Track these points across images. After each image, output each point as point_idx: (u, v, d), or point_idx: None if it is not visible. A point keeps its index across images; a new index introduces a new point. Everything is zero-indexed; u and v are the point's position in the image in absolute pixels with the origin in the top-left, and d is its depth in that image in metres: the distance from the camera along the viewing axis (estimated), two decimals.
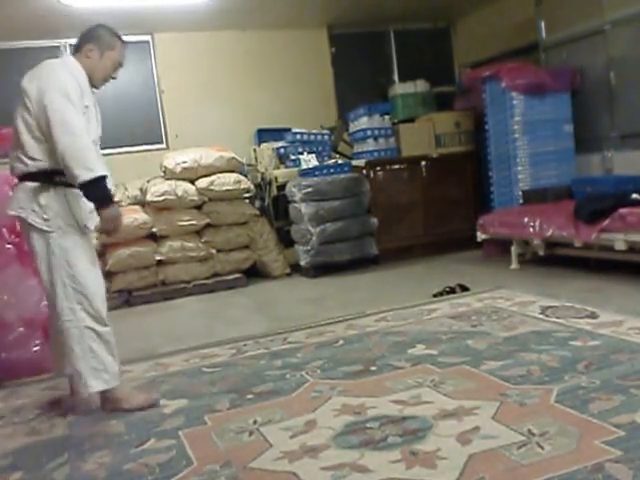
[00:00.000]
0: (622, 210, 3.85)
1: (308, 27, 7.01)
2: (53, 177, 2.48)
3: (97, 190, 2.43)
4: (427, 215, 5.97)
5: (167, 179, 5.52)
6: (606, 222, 3.91)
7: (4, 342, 3.21)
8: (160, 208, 5.36)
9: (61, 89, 2.47)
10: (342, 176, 5.58)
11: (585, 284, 3.97)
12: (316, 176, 5.59)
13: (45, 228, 2.47)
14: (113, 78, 2.78)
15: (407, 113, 6.31)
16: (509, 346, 2.84)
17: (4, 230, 3.42)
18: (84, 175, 2.36)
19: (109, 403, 2.61)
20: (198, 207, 5.50)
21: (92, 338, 2.49)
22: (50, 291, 2.51)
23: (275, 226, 5.97)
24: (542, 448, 1.83)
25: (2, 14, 5.39)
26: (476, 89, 5.70)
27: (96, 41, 2.68)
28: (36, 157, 2.47)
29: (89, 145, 2.42)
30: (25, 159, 2.49)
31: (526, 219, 4.57)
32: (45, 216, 2.47)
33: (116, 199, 5.87)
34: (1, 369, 3.21)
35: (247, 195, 5.80)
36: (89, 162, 2.37)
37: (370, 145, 5.86)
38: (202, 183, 5.44)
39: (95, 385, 2.52)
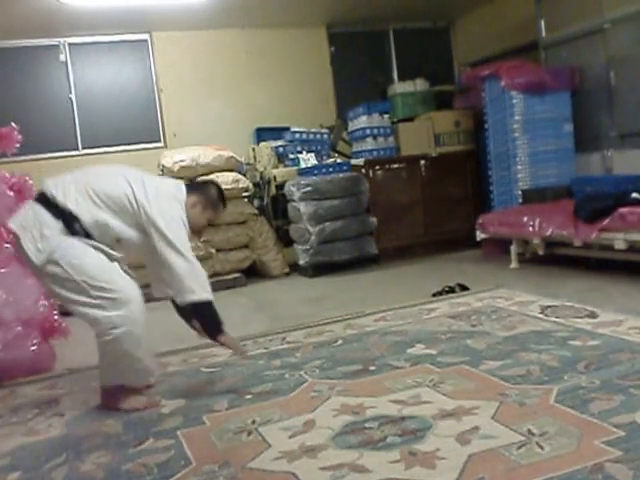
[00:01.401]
0: (622, 209, 3.84)
1: (307, 26, 7.01)
2: (73, 223, 2.46)
3: (212, 311, 2.54)
4: (426, 214, 5.96)
5: None
6: (606, 221, 3.91)
7: (2, 341, 3.19)
8: None
9: (182, 218, 2.58)
10: (341, 175, 5.57)
11: (585, 283, 3.96)
12: (315, 175, 5.58)
13: (33, 258, 2.41)
14: (198, 233, 2.85)
15: (406, 112, 6.30)
16: (509, 346, 2.83)
17: (2, 229, 3.41)
18: (203, 295, 2.49)
19: (110, 400, 2.61)
20: None
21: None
22: (79, 310, 2.45)
23: (274, 225, 5.97)
24: (542, 448, 1.82)
25: (1, 13, 5.38)
26: (475, 88, 5.70)
27: (205, 197, 2.75)
28: (82, 208, 2.46)
29: (203, 270, 2.54)
30: (71, 196, 2.47)
31: (526, 218, 4.56)
32: (39, 245, 2.41)
33: None
34: None
35: (246, 194, 5.79)
36: (207, 285, 2.53)
37: (369, 144, 5.85)
38: None
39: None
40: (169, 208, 2.54)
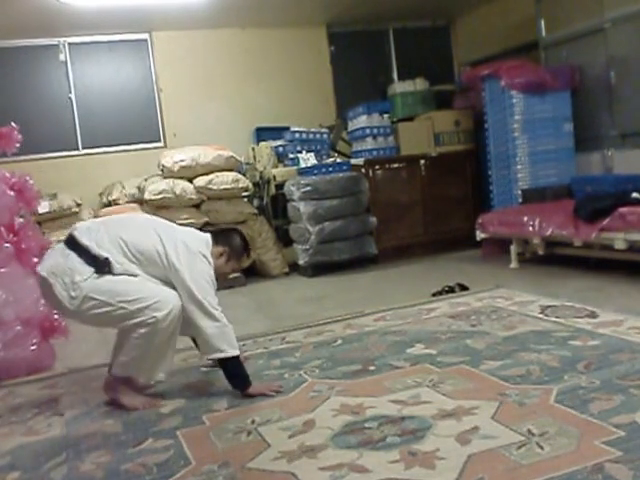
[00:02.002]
0: (622, 209, 3.84)
1: (307, 25, 7.01)
2: (104, 268, 2.48)
3: (237, 365, 2.56)
4: (426, 214, 5.96)
5: (165, 177, 5.51)
6: (606, 221, 3.90)
7: (2, 340, 3.19)
8: (158, 206, 5.35)
9: (210, 275, 2.59)
10: (341, 175, 5.56)
11: (585, 283, 3.96)
12: (315, 175, 5.58)
13: (67, 304, 2.46)
14: (224, 279, 2.87)
15: (406, 112, 6.29)
16: (508, 346, 2.83)
17: (2, 229, 3.40)
18: (229, 352, 2.50)
19: (112, 392, 2.62)
20: (196, 206, 5.49)
21: None
22: (125, 325, 2.50)
23: (274, 225, 5.96)
24: (542, 448, 1.82)
25: (0, 12, 5.38)
26: (475, 88, 5.69)
27: (230, 248, 2.78)
28: (114, 259, 2.49)
29: (230, 325, 2.54)
30: (105, 247, 2.50)
31: (525, 218, 4.56)
32: (72, 293, 2.45)
33: (114, 197, 5.89)
34: None
35: (245, 194, 5.78)
36: (233, 339, 2.54)
37: (369, 144, 5.85)
38: (200, 182, 5.43)
39: None
40: (199, 267, 2.56)
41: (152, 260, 2.54)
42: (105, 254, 2.49)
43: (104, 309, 2.45)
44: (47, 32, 6.11)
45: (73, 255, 2.50)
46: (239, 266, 2.91)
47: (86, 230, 2.59)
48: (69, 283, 2.45)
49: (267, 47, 6.91)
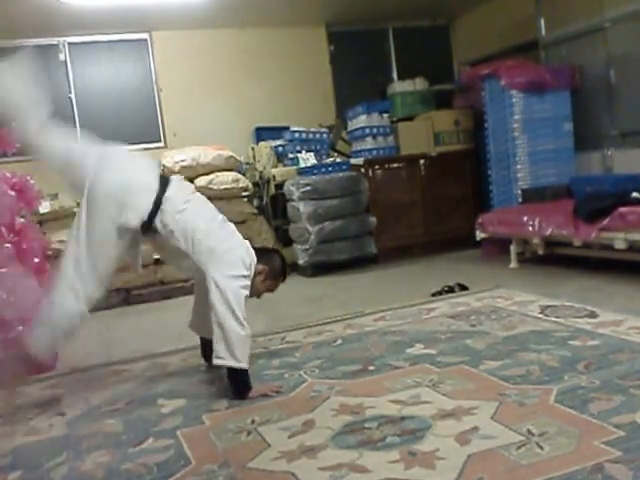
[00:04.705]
0: (622, 209, 3.84)
1: (306, 25, 7.00)
2: (147, 226, 2.59)
3: (245, 377, 2.56)
4: (426, 214, 5.96)
5: None
6: (606, 221, 3.91)
7: (3, 341, 3.19)
8: None
9: (248, 286, 2.62)
10: (340, 174, 5.57)
11: (585, 283, 3.96)
12: (314, 174, 5.58)
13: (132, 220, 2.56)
14: (256, 297, 2.89)
15: (406, 111, 6.30)
16: (508, 346, 2.83)
17: (3, 229, 3.40)
18: (243, 365, 2.52)
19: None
20: None
21: None
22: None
23: (273, 225, 5.96)
24: (541, 448, 1.82)
25: (0, 12, 5.38)
26: (475, 87, 5.69)
27: (270, 268, 2.82)
28: (173, 226, 2.60)
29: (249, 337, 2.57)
30: (184, 216, 2.61)
31: (525, 218, 4.56)
32: (130, 214, 2.56)
33: None
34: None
35: (245, 194, 5.78)
36: (247, 354, 2.54)
37: (369, 143, 5.85)
38: (200, 182, 5.43)
39: None
40: (242, 279, 2.58)
41: (204, 253, 2.58)
42: (169, 220, 2.57)
43: (97, 238, 2.56)
44: (47, 32, 6.11)
45: (155, 193, 2.59)
46: (273, 287, 2.90)
47: (177, 187, 2.67)
48: (130, 203, 2.55)
49: (267, 47, 6.90)
